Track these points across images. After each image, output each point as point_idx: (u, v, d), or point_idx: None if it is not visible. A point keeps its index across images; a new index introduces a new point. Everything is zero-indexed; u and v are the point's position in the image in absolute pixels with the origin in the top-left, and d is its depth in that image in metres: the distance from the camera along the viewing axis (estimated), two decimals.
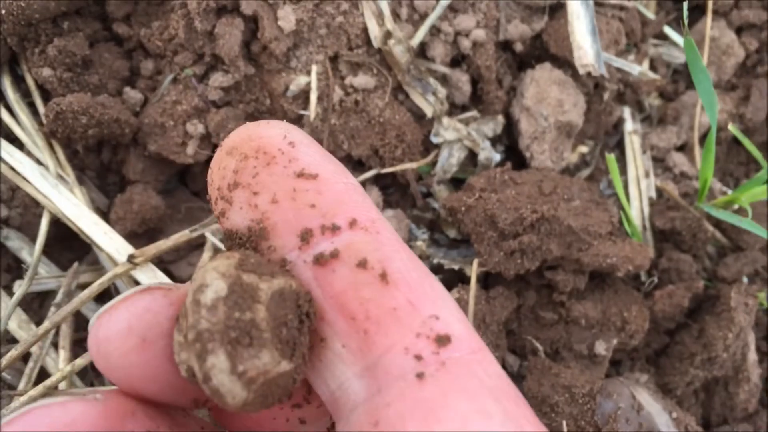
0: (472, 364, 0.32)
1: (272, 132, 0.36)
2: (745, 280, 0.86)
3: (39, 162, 0.75)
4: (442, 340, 0.32)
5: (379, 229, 0.34)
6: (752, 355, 0.84)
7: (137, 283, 0.71)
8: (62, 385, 0.67)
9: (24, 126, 0.75)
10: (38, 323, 0.73)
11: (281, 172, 0.34)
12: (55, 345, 0.72)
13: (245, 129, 0.36)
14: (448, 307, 0.33)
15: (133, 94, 0.76)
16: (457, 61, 0.82)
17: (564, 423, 0.69)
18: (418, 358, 0.31)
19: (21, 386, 0.69)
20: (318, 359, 0.34)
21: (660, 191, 0.87)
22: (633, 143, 0.89)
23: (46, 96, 0.76)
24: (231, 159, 0.35)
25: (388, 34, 0.76)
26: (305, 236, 0.34)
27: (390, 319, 0.32)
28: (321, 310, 0.33)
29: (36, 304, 0.77)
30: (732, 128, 0.75)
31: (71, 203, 0.72)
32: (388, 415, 0.31)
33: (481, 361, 0.32)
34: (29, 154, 0.75)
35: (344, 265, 0.33)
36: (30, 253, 0.75)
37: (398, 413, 0.31)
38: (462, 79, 0.81)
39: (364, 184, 0.81)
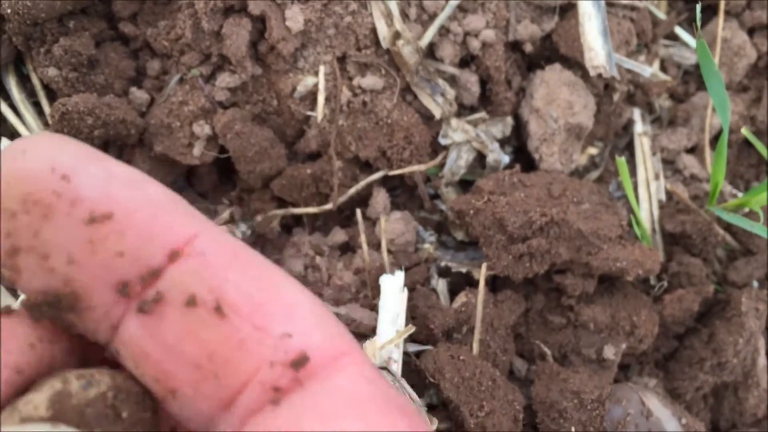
0: (334, 377, 0.29)
1: (36, 166, 0.28)
2: (755, 284, 0.85)
3: None
4: (299, 362, 0.29)
5: (203, 248, 0.29)
6: (762, 360, 0.83)
7: None
8: None
9: (29, 126, 0.74)
10: None
11: (66, 225, 0.28)
12: None
13: (6, 166, 0.28)
14: (299, 314, 0.30)
15: (139, 95, 0.75)
16: (466, 61, 0.82)
17: (573, 429, 0.68)
18: (276, 389, 0.29)
19: None
20: (175, 409, 0.30)
21: (670, 194, 0.86)
22: (643, 145, 0.88)
23: (52, 96, 0.75)
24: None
25: (396, 35, 0.75)
26: (123, 290, 0.29)
27: (238, 354, 0.29)
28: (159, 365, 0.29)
29: None
30: (745, 132, 0.74)
31: None
32: None
33: (346, 370, 0.29)
34: None
35: (172, 308, 0.29)
36: None
37: None
38: (471, 80, 0.80)
39: (371, 186, 0.80)
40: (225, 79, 0.74)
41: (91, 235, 0.28)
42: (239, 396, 0.29)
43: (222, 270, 0.29)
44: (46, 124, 0.74)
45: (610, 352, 0.76)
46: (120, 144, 0.76)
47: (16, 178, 0.28)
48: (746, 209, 0.82)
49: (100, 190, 0.28)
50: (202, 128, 0.74)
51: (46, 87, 0.75)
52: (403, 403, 0.30)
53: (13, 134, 0.75)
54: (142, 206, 0.29)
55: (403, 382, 0.65)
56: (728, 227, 0.84)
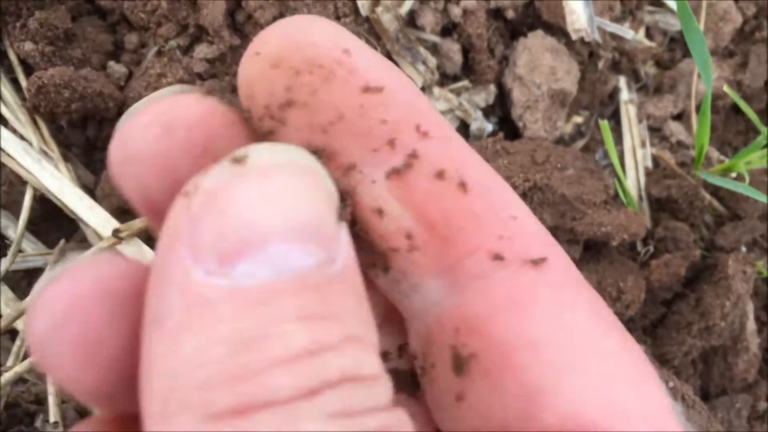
0: (552, 261, 0.32)
1: (322, 38, 0.32)
2: (743, 249, 0.85)
3: (23, 138, 0.73)
4: (538, 262, 0.32)
5: (450, 137, 0.33)
6: (751, 325, 0.83)
7: None
8: None
9: (6, 101, 0.74)
10: None
11: (343, 88, 0.32)
12: None
13: (289, 34, 0.31)
14: (522, 208, 0.33)
15: (117, 68, 0.74)
16: (448, 29, 0.81)
17: None
18: (499, 258, 0.31)
19: (9, 364, 0.69)
20: (389, 266, 0.33)
21: (656, 161, 0.85)
22: (629, 112, 0.88)
23: (29, 71, 0.75)
24: (279, 74, 0.31)
25: (375, 2, 0.75)
26: (376, 152, 0.32)
27: (472, 224, 0.32)
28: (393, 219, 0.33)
29: (24, 283, 0.76)
30: (728, 90, 0.73)
31: (55, 179, 0.71)
32: (472, 312, 0.31)
33: (559, 257, 0.32)
34: (13, 130, 0.74)
35: (421, 177, 0.32)
36: (16, 231, 0.74)
37: (483, 309, 0.31)
38: (453, 48, 0.80)
39: None
40: (203, 50, 0.73)
41: (363, 101, 0.32)
42: (463, 262, 0.32)
43: (465, 156, 0.33)
44: (24, 99, 0.74)
45: None
46: (99, 118, 0.75)
47: (304, 42, 0.31)
48: (733, 174, 0.81)
49: (375, 68, 0.32)
50: None
51: (23, 62, 0.74)
52: (595, 295, 0.33)
53: None
54: (406, 89, 0.33)
55: None
56: (715, 192, 0.83)
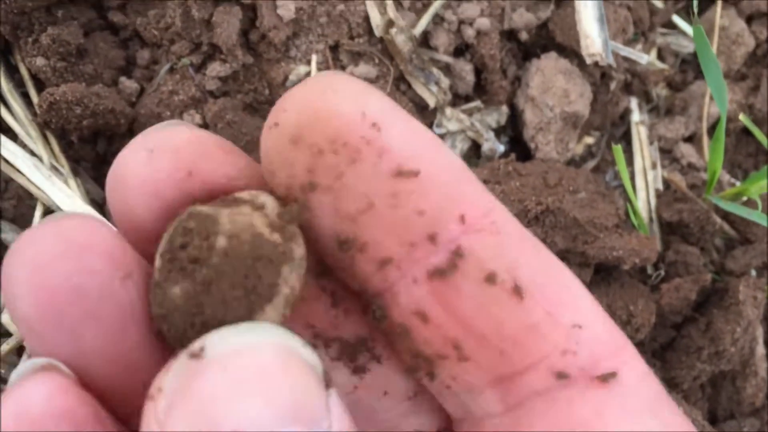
0: (623, 374, 0.29)
1: (347, 109, 0.27)
2: (753, 273, 0.85)
3: (33, 153, 0.73)
4: (607, 377, 0.29)
5: (499, 224, 0.29)
6: (760, 349, 0.82)
7: None
8: None
9: (17, 116, 0.73)
10: None
11: (372, 173, 0.27)
12: None
13: (310, 102, 0.27)
14: (585, 305, 0.30)
15: (128, 84, 0.74)
16: (461, 50, 0.81)
17: None
18: (564, 376, 0.29)
19: None
20: (435, 372, 0.30)
21: (667, 183, 0.85)
22: (640, 134, 0.88)
23: (40, 86, 0.74)
24: (299, 152, 0.27)
25: (390, 23, 0.74)
26: (414, 247, 0.29)
27: (530, 337, 0.29)
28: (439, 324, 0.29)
29: None
30: (743, 118, 0.73)
31: (65, 195, 0.71)
32: None
33: (631, 368, 0.30)
34: (23, 145, 0.74)
35: (468, 280, 0.29)
36: None
37: None
38: (465, 68, 0.79)
39: None
40: (216, 68, 0.73)
41: (395, 187, 0.28)
42: (521, 376, 0.29)
43: (517, 250, 0.29)
44: (34, 114, 0.73)
45: None
46: (109, 134, 0.75)
47: (327, 113, 0.27)
48: (744, 198, 0.81)
49: (409, 145, 0.28)
50: (192, 118, 0.73)
51: (35, 77, 0.74)
52: (669, 398, 0.31)
53: (1, 124, 0.74)
54: (446, 169, 0.29)
55: None
56: (726, 216, 0.83)
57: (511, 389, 0.29)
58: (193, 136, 0.30)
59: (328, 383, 0.26)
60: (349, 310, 0.33)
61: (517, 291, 0.29)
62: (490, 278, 0.29)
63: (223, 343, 0.25)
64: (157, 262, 0.28)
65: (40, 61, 0.71)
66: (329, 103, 0.28)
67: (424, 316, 0.29)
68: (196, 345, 0.25)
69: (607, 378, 0.29)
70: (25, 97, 0.75)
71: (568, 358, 0.29)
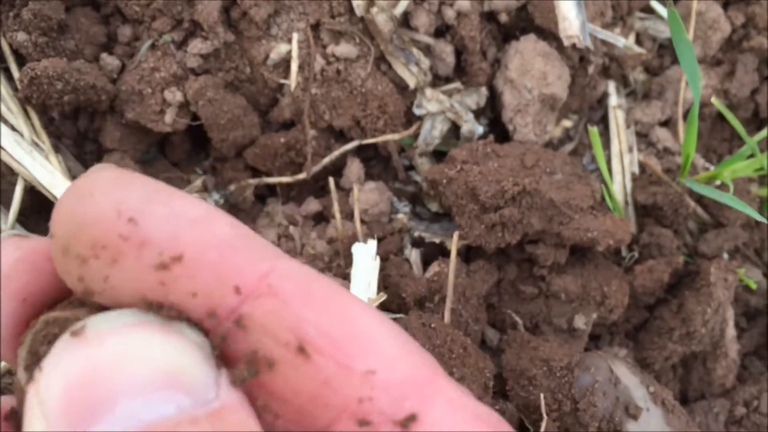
0: (426, 411, 0.30)
1: (103, 210, 0.27)
2: (725, 256, 0.86)
3: (13, 128, 0.73)
4: (408, 420, 0.30)
5: (276, 286, 0.29)
6: (730, 331, 0.84)
7: None
8: None
9: None
10: None
11: (136, 268, 0.28)
12: None
13: (70, 213, 0.28)
14: (380, 348, 0.30)
15: (110, 61, 0.74)
16: (441, 31, 0.81)
17: (542, 396, 0.69)
18: (366, 422, 0.29)
19: None
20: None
21: (643, 167, 0.86)
22: (617, 118, 0.89)
23: (21, 61, 0.74)
24: (70, 262, 0.28)
25: (371, 2, 0.75)
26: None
27: (324, 392, 0.29)
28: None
29: None
30: (715, 101, 0.74)
31: (46, 170, 0.71)
32: None
33: (435, 400, 0.30)
34: (4, 120, 0.74)
35: (258, 346, 0.29)
36: (6, 222, 0.74)
37: None
38: (446, 50, 0.80)
39: (345, 155, 0.80)
40: (197, 46, 0.73)
41: (163, 277, 0.28)
42: (331, 428, 0.30)
43: (299, 308, 0.29)
44: (15, 89, 0.73)
45: (580, 322, 0.76)
46: (91, 110, 0.75)
47: (84, 222, 0.28)
48: (718, 182, 0.83)
49: (168, 232, 0.28)
50: (173, 95, 0.74)
51: (16, 52, 0.74)
52: (488, 414, 0.31)
53: None
54: (211, 246, 0.29)
55: None
56: (700, 200, 0.84)
57: None
58: (19, 256, 0.30)
59: (219, 364, 0.27)
60: None
61: (302, 350, 0.29)
62: (276, 341, 0.29)
63: (106, 322, 0.26)
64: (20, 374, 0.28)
65: (21, 36, 0.71)
66: (87, 208, 0.28)
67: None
68: (78, 324, 0.26)
69: (407, 422, 0.29)
70: (6, 72, 0.75)
71: (365, 406, 0.29)
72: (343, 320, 0.30)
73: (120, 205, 0.28)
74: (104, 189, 0.28)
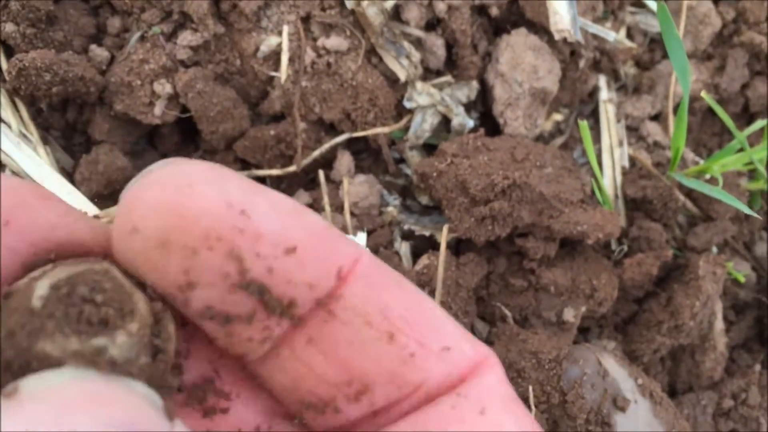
0: (484, 379, 0.33)
1: (211, 202, 0.27)
2: (714, 249, 0.87)
3: (1, 120, 0.73)
4: (458, 370, 0.32)
5: (365, 272, 0.32)
6: (719, 324, 0.85)
7: None
8: None
9: None
10: None
11: (254, 261, 0.28)
12: None
13: (168, 205, 0.27)
14: (448, 330, 0.33)
15: (99, 52, 0.74)
16: (432, 24, 0.81)
17: (530, 388, 0.69)
18: (435, 396, 0.32)
19: None
20: (323, 417, 0.34)
21: (633, 161, 0.87)
22: (608, 112, 0.89)
23: (9, 52, 0.74)
24: (170, 255, 0.27)
25: None
26: (293, 313, 0.31)
27: (406, 367, 0.32)
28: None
29: None
30: (705, 96, 0.74)
31: (34, 162, 0.71)
32: None
33: (491, 371, 0.33)
34: None
35: (345, 327, 0.31)
36: None
37: None
38: (436, 43, 0.80)
39: (335, 148, 0.80)
40: (187, 38, 0.73)
41: (275, 265, 0.29)
42: (406, 400, 0.32)
43: (386, 291, 0.32)
44: (3, 80, 0.73)
45: (569, 315, 0.77)
46: (80, 102, 0.75)
47: (192, 214, 0.27)
48: (707, 176, 0.83)
49: (279, 224, 0.29)
50: (163, 87, 0.73)
51: (3, 43, 0.73)
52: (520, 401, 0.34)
53: None
54: (314, 235, 0.30)
55: None
56: (689, 193, 0.85)
57: (381, 416, 0.33)
58: (6, 185, 0.29)
59: (170, 415, 0.26)
60: (191, 350, 0.34)
61: (390, 330, 0.32)
62: (366, 321, 0.31)
63: (36, 384, 0.24)
64: None
65: (9, 27, 0.71)
66: (190, 199, 0.27)
67: (310, 368, 0.32)
68: (10, 386, 0.25)
69: (468, 391, 0.33)
70: None
71: (440, 378, 0.32)
72: (418, 304, 0.33)
73: (228, 197, 0.28)
74: (207, 181, 0.28)
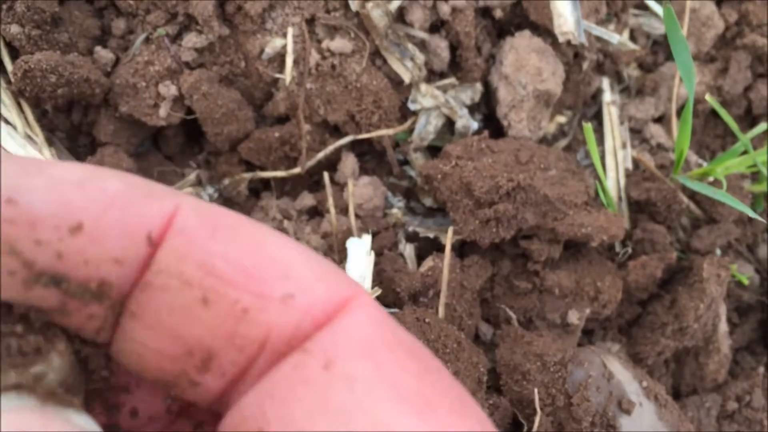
0: (340, 323, 0.28)
1: None
2: (717, 251, 0.87)
3: (7, 121, 0.73)
4: (309, 319, 0.28)
5: (181, 226, 0.28)
6: (723, 326, 0.85)
7: None
8: None
9: None
10: None
11: (34, 248, 0.26)
12: None
13: None
14: (296, 272, 0.29)
15: (104, 54, 0.74)
16: (436, 26, 0.81)
17: (535, 390, 0.69)
18: (289, 348, 0.28)
19: None
20: (189, 393, 0.30)
21: (636, 163, 0.87)
22: (611, 114, 0.89)
23: (15, 54, 0.74)
24: None
25: None
26: (105, 293, 0.28)
27: (243, 325, 0.28)
28: None
29: None
30: (709, 98, 0.75)
31: None
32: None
33: (352, 314, 0.28)
34: None
35: (165, 294, 0.28)
36: None
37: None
38: (441, 45, 0.80)
39: (340, 150, 0.80)
40: (192, 39, 0.73)
41: (62, 249, 0.26)
42: (254, 363, 0.28)
43: (213, 243, 0.28)
44: (8, 82, 0.73)
45: (574, 317, 0.77)
46: (85, 104, 0.75)
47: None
48: (711, 178, 0.83)
49: (56, 202, 0.26)
50: (168, 89, 0.73)
51: (9, 44, 0.73)
52: (411, 342, 0.29)
53: None
54: (107, 205, 0.27)
55: None
56: (693, 196, 0.85)
57: (248, 380, 0.28)
58: None
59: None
60: None
61: (215, 286, 0.27)
62: (186, 282, 0.27)
63: None
64: None
65: (14, 29, 0.71)
66: None
67: (145, 347, 0.28)
68: None
69: (314, 344, 0.28)
70: None
71: (287, 331, 0.28)
72: (254, 249, 0.28)
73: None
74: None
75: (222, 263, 0.27)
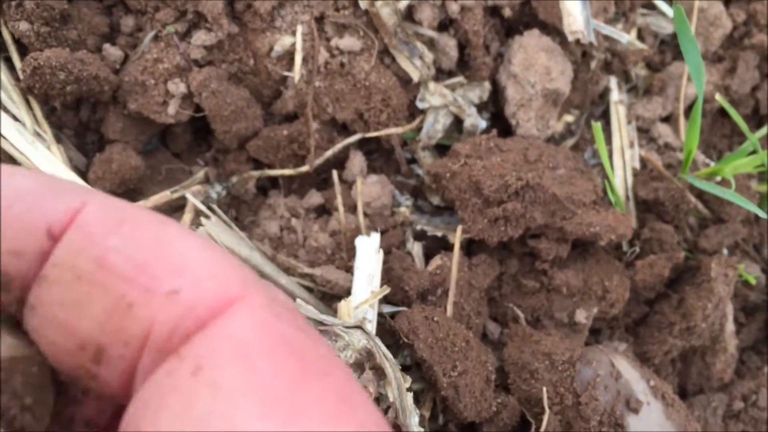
0: (222, 326, 0.28)
1: None
2: (725, 251, 0.87)
3: (16, 118, 0.73)
4: (193, 317, 0.28)
5: (84, 222, 0.28)
6: (730, 326, 0.85)
7: None
8: None
9: (0, 82, 0.73)
10: None
11: None
12: None
13: None
14: (189, 267, 0.28)
15: (112, 51, 0.74)
16: (445, 25, 0.81)
17: (544, 389, 0.69)
18: (166, 349, 0.27)
19: None
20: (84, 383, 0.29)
21: (644, 162, 0.87)
22: (618, 113, 0.89)
23: (24, 51, 0.74)
24: None
25: None
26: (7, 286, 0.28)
27: (127, 321, 0.28)
28: None
29: None
30: (719, 98, 0.75)
31: (48, 161, 0.71)
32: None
33: (236, 315, 0.28)
34: (6, 110, 0.73)
35: (61, 289, 0.28)
36: None
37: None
38: (449, 43, 0.80)
39: (348, 148, 0.80)
40: (201, 37, 0.73)
41: None
42: (140, 359, 0.28)
43: (112, 237, 0.28)
44: (17, 79, 0.73)
45: (581, 316, 0.77)
46: (93, 101, 0.75)
47: None
48: (718, 178, 0.83)
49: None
50: (177, 86, 0.73)
51: (18, 41, 0.73)
52: (302, 344, 0.28)
53: None
54: (14, 200, 0.27)
55: (378, 341, 0.65)
56: (700, 195, 0.85)
57: (137, 380, 0.28)
58: None
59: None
60: None
61: (105, 280, 0.27)
62: (77, 276, 0.27)
63: None
64: None
65: (23, 26, 0.71)
66: None
67: (45, 339, 0.28)
68: None
69: (190, 347, 0.27)
70: (8, 62, 0.74)
71: (165, 329, 0.27)
72: (153, 244, 0.28)
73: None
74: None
75: (115, 257, 0.27)
